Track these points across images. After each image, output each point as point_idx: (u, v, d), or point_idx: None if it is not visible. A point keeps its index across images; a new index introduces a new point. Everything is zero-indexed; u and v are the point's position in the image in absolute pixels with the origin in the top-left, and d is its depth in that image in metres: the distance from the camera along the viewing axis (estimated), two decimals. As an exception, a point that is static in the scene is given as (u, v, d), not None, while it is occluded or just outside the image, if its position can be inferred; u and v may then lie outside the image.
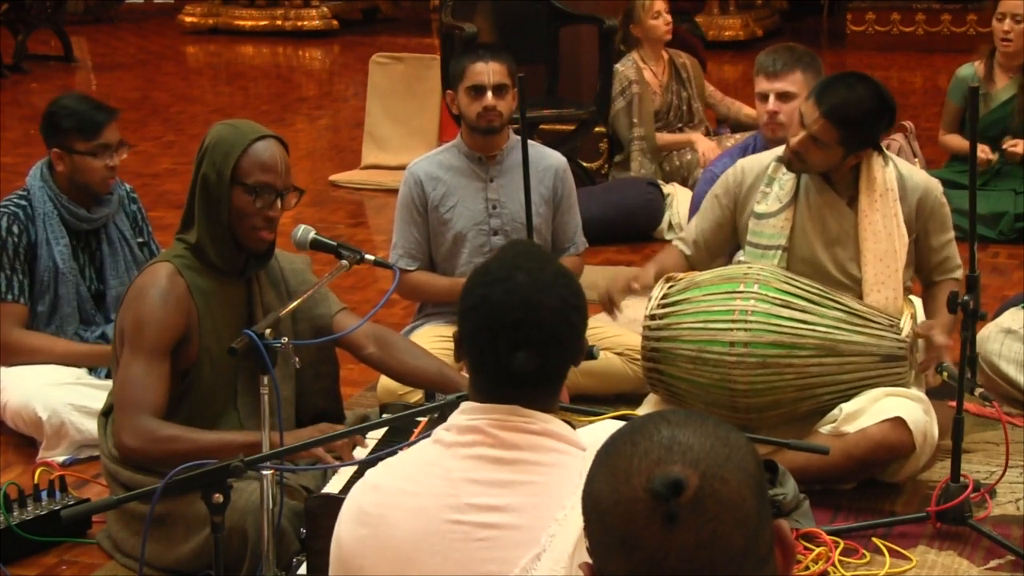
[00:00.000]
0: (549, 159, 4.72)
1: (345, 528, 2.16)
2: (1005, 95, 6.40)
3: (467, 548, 2.06)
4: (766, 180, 4.09)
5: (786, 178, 4.06)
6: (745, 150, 4.75)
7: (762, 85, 4.68)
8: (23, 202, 4.41)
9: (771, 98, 4.63)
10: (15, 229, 4.36)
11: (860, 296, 3.99)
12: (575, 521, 1.89)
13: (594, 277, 5.80)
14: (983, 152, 6.23)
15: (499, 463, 2.09)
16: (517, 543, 2.00)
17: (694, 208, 4.79)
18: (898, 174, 4.04)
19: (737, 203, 4.16)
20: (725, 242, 4.24)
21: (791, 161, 3.99)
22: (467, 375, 2.23)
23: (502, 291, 2.13)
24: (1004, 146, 6.33)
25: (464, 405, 2.17)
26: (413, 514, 2.09)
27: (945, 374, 3.76)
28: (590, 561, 1.48)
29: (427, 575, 2.06)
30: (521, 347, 2.11)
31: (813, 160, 3.94)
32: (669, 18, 6.98)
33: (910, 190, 4.04)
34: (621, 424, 1.64)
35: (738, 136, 6.73)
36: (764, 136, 4.70)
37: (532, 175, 4.35)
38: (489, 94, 4.51)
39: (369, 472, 2.22)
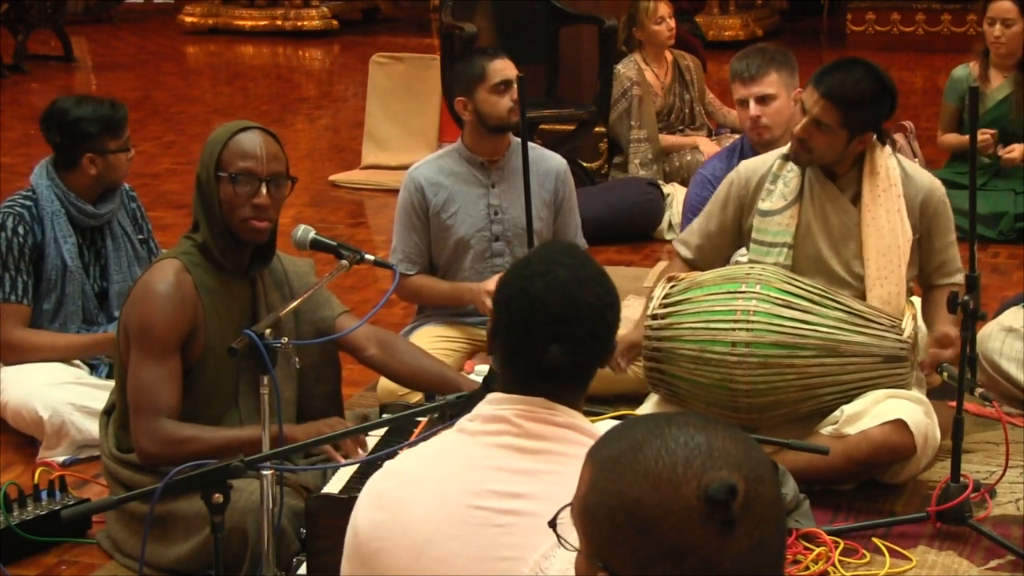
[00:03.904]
0: (550, 162, 4.70)
1: (363, 514, 2.16)
2: (1000, 94, 6.41)
3: (486, 533, 2.07)
4: (771, 178, 4.08)
5: (791, 175, 4.05)
6: (733, 152, 4.77)
7: (740, 91, 4.71)
8: (28, 202, 4.42)
9: (751, 103, 4.64)
10: (20, 230, 4.37)
11: (863, 292, 3.98)
12: None
13: (594, 277, 5.79)
14: (983, 133, 6.23)
15: (523, 452, 2.11)
16: (537, 530, 2.01)
17: (687, 211, 4.80)
18: (902, 172, 4.04)
19: (743, 206, 4.15)
20: (729, 246, 4.23)
21: (798, 153, 3.97)
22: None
23: (542, 284, 2.15)
24: (1000, 153, 6.33)
25: (491, 396, 2.18)
26: (433, 497, 2.10)
27: (945, 374, 3.77)
28: (601, 563, 1.47)
29: (444, 557, 2.07)
30: (556, 341, 2.14)
31: (818, 146, 3.92)
32: (672, 23, 6.99)
33: (914, 189, 4.03)
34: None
35: (738, 136, 6.73)
36: (750, 140, 4.71)
37: (533, 178, 4.35)
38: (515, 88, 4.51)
39: (388, 462, 2.23)
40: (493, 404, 2.16)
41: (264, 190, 3.44)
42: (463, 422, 2.18)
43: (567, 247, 2.28)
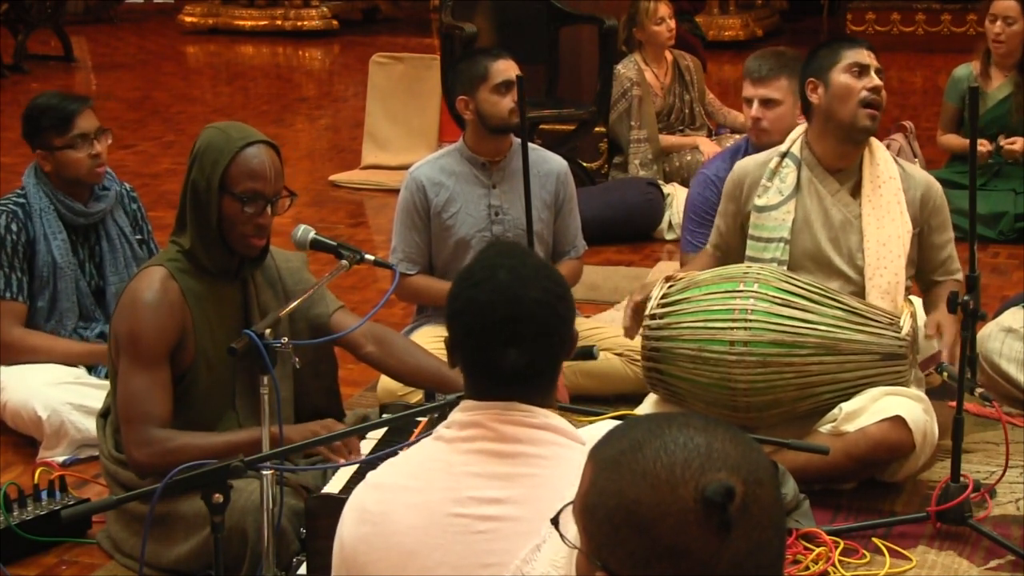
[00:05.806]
0: (551, 163, 4.70)
1: (347, 528, 2.17)
2: (1001, 94, 6.42)
3: (468, 540, 2.07)
4: (767, 175, 4.11)
5: (787, 171, 4.08)
6: (736, 152, 4.77)
7: (748, 90, 4.71)
8: (21, 200, 4.42)
9: (755, 104, 4.65)
10: (13, 227, 4.37)
11: (863, 284, 3.99)
12: None
13: (594, 277, 5.80)
14: (981, 145, 6.24)
15: (500, 456, 2.11)
16: (518, 534, 2.01)
17: (688, 211, 4.80)
18: (900, 168, 4.10)
19: (739, 206, 4.17)
20: (740, 246, 4.23)
21: (875, 115, 4.00)
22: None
23: (486, 291, 2.15)
24: (1002, 143, 6.34)
25: (463, 403, 2.18)
26: (415, 509, 2.10)
27: (945, 374, 3.76)
28: (600, 562, 1.47)
29: (429, 567, 2.07)
30: (511, 344, 2.13)
31: (885, 96, 4.02)
32: (672, 24, 6.99)
33: (913, 183, 4.09)
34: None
35: (738, 137, 6.73)
36: (751, 140, 4.71)
37: (533, 180, 4.34)
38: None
39: (370, 473, 2.23)
40: (466, 411, 2.16)
41: (269, 211, 3.44)
42: (440, 430, 2.18)
43: (507, 247, 2.27)
